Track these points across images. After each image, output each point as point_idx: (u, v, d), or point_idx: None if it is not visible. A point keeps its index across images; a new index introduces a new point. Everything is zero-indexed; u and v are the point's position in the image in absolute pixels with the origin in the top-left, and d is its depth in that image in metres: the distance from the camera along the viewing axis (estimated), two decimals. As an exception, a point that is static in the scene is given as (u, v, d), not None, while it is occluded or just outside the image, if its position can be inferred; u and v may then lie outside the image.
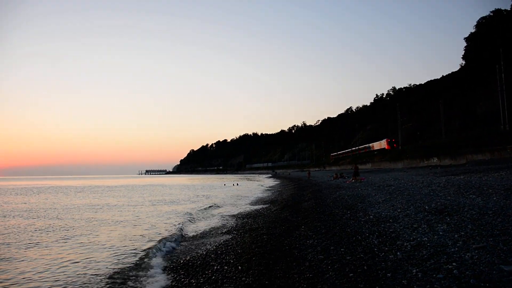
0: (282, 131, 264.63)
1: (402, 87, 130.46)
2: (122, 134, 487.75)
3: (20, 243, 14.30)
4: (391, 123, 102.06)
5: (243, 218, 19.76)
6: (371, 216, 12.63)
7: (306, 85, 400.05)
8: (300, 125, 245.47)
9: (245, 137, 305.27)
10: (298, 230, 12.81)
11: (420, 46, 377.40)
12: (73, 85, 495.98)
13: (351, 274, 7.10)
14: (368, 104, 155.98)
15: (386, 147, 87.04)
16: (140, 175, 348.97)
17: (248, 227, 16.13)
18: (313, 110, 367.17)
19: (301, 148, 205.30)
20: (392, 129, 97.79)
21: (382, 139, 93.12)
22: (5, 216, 23.59)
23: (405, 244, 8.44)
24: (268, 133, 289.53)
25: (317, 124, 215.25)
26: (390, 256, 7.75)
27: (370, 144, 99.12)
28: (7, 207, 30.37)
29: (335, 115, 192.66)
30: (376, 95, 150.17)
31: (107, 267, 10.47)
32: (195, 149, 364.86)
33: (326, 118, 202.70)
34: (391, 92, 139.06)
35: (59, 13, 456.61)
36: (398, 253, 7.88)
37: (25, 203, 33.84)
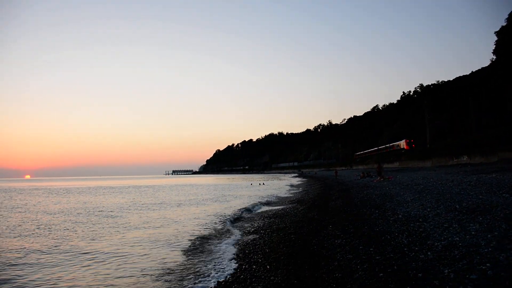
0: (308, 130, 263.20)
1: (430, 84, 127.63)
2: (149, 135, 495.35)
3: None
4: (418, 121, 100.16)
5: (270, 218, 19.74)
6: (400, 216, 12.43)
7: (332, 84, 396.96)
8: (326, 124, 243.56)
9: (270, 137, 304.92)
10: (325, 230, 12.72)
11: (448, 41, 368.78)
12: (103, 88, 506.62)
13: (381, 274, 7.00)
14: (395, 101, 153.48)
15: (405, 147, 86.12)
16: (167, 175, 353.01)
17: (275, 226, 16.12)
18: (339, 109, 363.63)
19: (327, 147, 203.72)
20: (420, 127, 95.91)
21: (403, 139, 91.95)
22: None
23: (436, 244, 8.27)
24: (294, 132, 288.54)
25: (343, 122, 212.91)
26: (420, 256, 7.61)
27: (390, 144, 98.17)
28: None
29: (361, 114, 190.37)
30: (403, 92, 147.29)
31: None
32: (221, 149, 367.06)
33: (352, 116, 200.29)
34: (418, 89, 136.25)
35: (90, 19, 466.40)
36: (429, 253, 7.73)
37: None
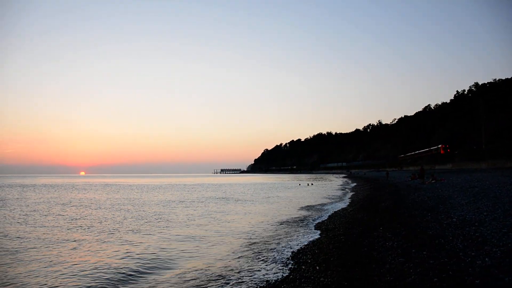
0: (357, 130, 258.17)
1: (486, 82, 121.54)
2: (199, 134, 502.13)
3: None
4: (473, 121, 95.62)
5: (326, 213, 19.59)
6: (454, 219, 11.94)
7: (382, 83, 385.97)
8: (375, 123, 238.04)
9: (319, 137, 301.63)
10: (376, 232, 12.44)
11: (505, 37, 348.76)
12: (155, 87, 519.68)
13: (436, 279, 6.75)
14: (448, 101, 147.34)
15: (441, 152, 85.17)
16: (215, 174, 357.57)
17: (324, 227, 15.97)
18: (389, 109, 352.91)
19: (376, 147, 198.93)
20: (474, 127, 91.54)
21: (440, 145, 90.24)
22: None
23: (494, 249, 7.86)
24: (343, 132, 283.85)
25: (393, 122, 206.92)
26: (477, 262, 7.27)
27: (429, 149, 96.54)
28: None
29: (412, 113, 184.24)
30: (457, 91, 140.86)
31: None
32: (269, 149, 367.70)
33: (403, 116, 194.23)
34: (473, 88, 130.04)
35: (158, 15, 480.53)
36: (487, 259, 7.37)
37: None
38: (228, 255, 11.81)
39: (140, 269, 10.33)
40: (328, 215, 20.66)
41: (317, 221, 18.49)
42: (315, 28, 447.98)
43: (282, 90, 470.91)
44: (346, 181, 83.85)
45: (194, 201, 33.15)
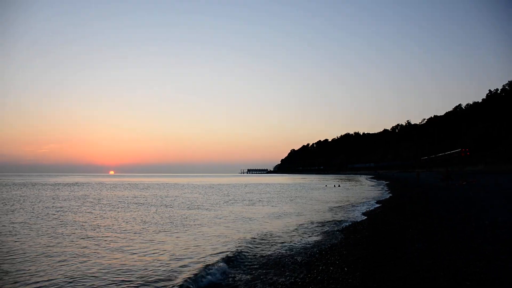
0: (385, 130, 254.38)
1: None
2: (225, 134, 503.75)
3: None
4: (506, 121, 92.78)
5: (347, 217, 19.51)
6: (486, 222, 11.73)
7: (411, 82, 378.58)
8: (404, 124, 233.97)
9: (346, 137, 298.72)
10: (404, 233, 12.35)
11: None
12: (180, 87, 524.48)
13: (468, 283, 6.69)
14: (480, 100, 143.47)
15: (461, 155, 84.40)
16: (242, 174, 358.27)
17: (352, 228, 15.93)
18: (418, 108, 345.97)
19: (405, 148, 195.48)
20: (508, 127, 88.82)
21: (459, 149, 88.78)
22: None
23: (526, 253, 7.74)
24: (370, 132, 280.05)
25: (422, 123, 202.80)
26: (510, 266, 7.18)
27: (451, 152, 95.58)
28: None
29: (442, 113, 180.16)
30: (489, 90, 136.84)
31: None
32: (296, 149, 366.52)
33: (432, 116, 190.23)
34: (506, 87, 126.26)
35: (180, 17, 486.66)
36: (518, 263, 7.26)
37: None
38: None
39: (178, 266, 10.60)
40: (354, 216, 20.55)
41: (343, 224, 18.43)
42: (343, 26, 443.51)
43: (310, 90, 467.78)
44: (374, 182, 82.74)
45: (219, 201, 33.51)
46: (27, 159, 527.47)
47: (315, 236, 15.08)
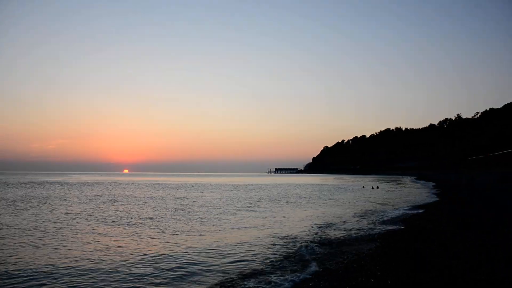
0: (432, 125, 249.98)
1: None
2: (250, 130, 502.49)
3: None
4: None
5: (387, 224, 19.47)
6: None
7: (462, 70, 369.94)
8: (453, 118, 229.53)
9: (386, 133, 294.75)
10: (453, 243, 12.31)
11: None
12: (204, 82, 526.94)
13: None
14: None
15: None
16: (269, 174, 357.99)
17: (396, 237, 15.90)
18: (470, 101, 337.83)
19: (454, 145, 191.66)
20: None
21: None
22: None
23: None
24: (414, 127, 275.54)
25: (475, 117, 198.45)
26: None
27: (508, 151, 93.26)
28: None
29: (500, 106, 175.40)
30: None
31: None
32: (329, 146, 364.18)
33: (488, 109, 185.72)
34: None
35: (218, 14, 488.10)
36: None
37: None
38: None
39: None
40: (395, 221, 20.47)
41: (385, 228, 18.40)
42: (380, 16, 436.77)
43: (345, 81, 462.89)
44: (418, 183, 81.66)
45: (244, 203, 33.88)
46: (33, 157, 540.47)
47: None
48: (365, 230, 18.47)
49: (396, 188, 65.83)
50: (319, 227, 19.60)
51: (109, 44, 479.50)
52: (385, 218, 23.20)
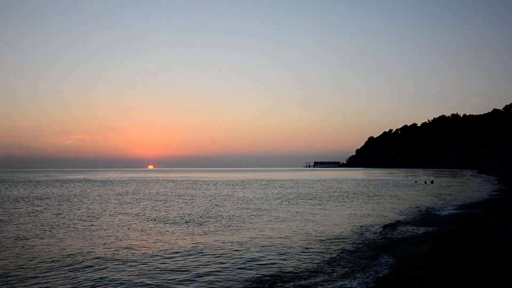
0: (495, 110, 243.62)
1: None
2: (285, 120, 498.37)
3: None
4: None
5: (439, 225, 19.18)
6: None
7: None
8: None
9: (441, 120, 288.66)
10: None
11: None
12: (235, 71, 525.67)
13: None
14: None
15: None
16: (307, 168, 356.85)
17: (448, 239, 15.62)
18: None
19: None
20: None
21: None
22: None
23: None
24: (474, 114, 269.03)
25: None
26: None
27: None
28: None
29: None
30: None
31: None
32: (375, 136, 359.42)
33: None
34: None
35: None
36: None
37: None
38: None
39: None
40: (455, 220, 20.12)
41: (428, 230, 18.09)
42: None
43: (392, 62, 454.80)
44: (478, 178, 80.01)
45: (279, 200, 34.01)
46: (50, 153, 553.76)
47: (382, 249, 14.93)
48: (414, 231, 18.34)
49: (453, 183, 64.56)
50: (363, 227, 19.50)
51: (133, 34, 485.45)
52: (437, 217, 22.96)
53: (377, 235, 17.39)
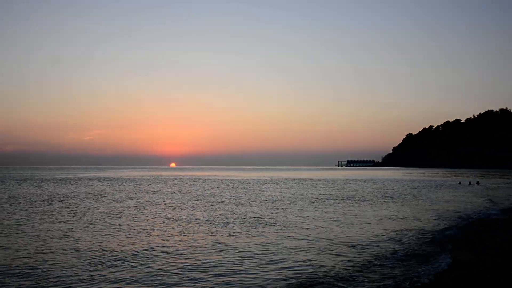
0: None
1: None
2: (316, 115, 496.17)
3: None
4: None
5: (481, 233, 18.34)
6: None
7: None
8: None
9: (488, 115, 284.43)
10: None
11: None
12: (261, 63, 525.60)
13: None
14: None
15: None
16: (340, 167, 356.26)
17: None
18: None
19: None
20: None
21: None
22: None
23: None
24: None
25: None
26: None
27: None
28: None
29: None
30: None
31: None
32: (413, 133, 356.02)
33: None
34: None
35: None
36: None
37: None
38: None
39: None
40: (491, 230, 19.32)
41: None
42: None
43: (433, 52, 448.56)
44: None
45: (309, 201, 33.49)
46: (69, 149, 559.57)
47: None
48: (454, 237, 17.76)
49: (502, 184, 63.16)
50: (398, 231, 18.96)
51: (159, 20, 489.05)
52: (482, 223, 22.33)
53: (414, 241, 16.82)
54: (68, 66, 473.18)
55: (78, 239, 16.86)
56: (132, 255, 14.15)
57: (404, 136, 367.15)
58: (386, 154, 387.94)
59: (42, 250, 14.78)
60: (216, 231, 19.05)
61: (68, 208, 28.39)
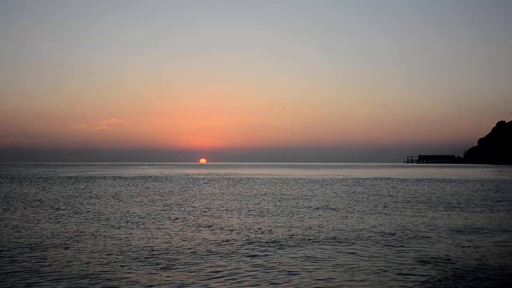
0: None
1: None
2: (378, 102, 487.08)
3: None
4: None
5: None
6: None
7: None
8: None
9: None
10: None
11: None
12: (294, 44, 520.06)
13: None
14: None
15: None
16: (410, 164, 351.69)
17: None
18: None
19: None
20: None
21: None
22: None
23: None
24: None
25: None
26: None
27: None
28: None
29: None
30: None
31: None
32: (507, 121, 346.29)
33: None
34: None
35: None
36: None
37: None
38: None
39: None
40: None
41: None
42: None
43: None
44: None
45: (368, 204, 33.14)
46: (77, 141, 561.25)
47: None
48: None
49: None
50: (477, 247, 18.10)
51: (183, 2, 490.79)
52: None
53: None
54: (79, 47, 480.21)
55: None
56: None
57: (494, 125, 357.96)
58: (470, 147, 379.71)
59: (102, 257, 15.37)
60: (256, 239, 18.72)
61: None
